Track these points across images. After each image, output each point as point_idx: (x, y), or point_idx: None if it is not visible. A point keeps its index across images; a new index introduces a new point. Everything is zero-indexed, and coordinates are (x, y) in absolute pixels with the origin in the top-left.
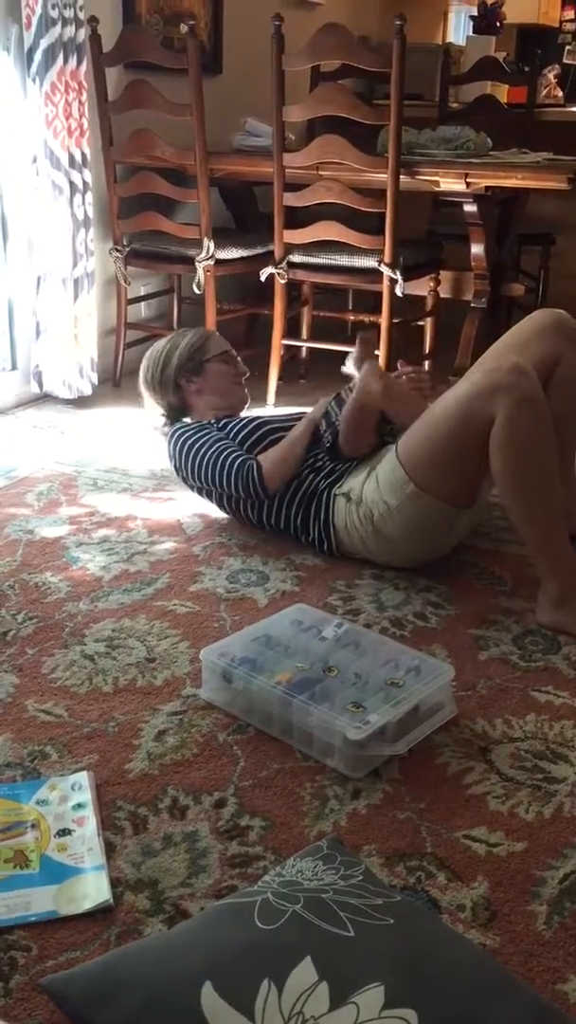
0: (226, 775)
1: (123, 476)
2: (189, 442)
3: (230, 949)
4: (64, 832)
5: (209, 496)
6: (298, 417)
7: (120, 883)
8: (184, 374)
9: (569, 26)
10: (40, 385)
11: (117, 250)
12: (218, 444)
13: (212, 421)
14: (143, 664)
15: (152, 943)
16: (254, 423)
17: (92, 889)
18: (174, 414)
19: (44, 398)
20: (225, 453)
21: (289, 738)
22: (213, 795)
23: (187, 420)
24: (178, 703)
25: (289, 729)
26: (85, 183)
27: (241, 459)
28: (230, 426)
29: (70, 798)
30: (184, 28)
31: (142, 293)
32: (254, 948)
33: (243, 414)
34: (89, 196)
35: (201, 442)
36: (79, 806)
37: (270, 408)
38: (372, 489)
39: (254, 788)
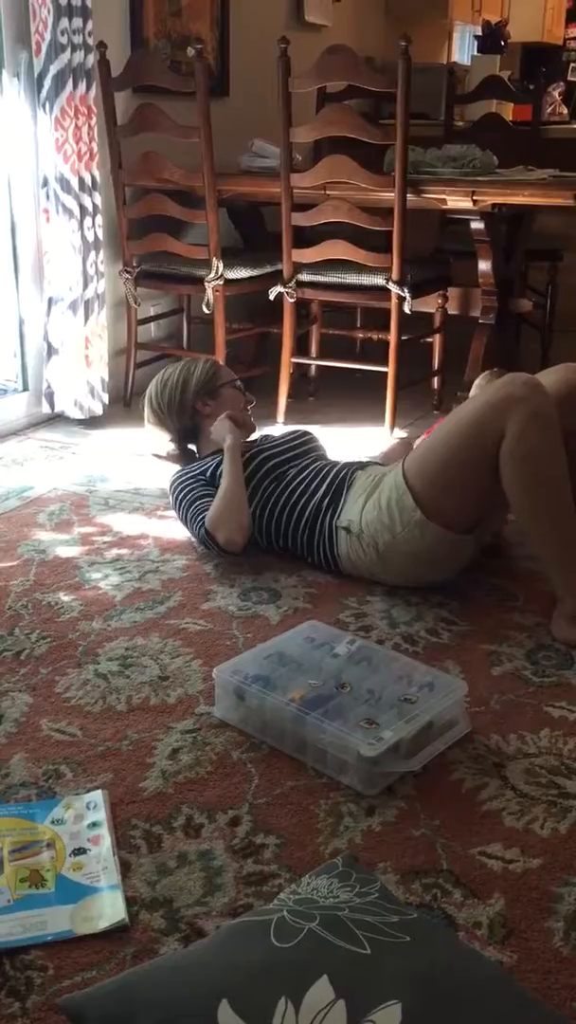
0: (240, 793)
1: (134, 495)
2: (179, 495)
3: (246, 967)
4: (79, 851)
5: None
6: (294, 435)
7: (135, 902)
8: (201, 397)
9: (573, 44)
10: (51, 406)
11: (127, 271)
12: (194, 504)
13: (205, 469)
14: (156, 682)
15: (168, 962)
16: (249, 455)
17: (108, 908)
18: (185, 438)
19: (55, 418)
20: (193, 512)
21: (303, 755)
22: (227, 813)
23: (184, 467)
24: (191, 721)
25: (303, 746)
26: (95, 206)
27: (202, 527)
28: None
29: (85, 817)
30: (191, 51)
31: (152, 314)
32: (270, 966)
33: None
34: (99, 219)
35: (185, 496)
36: (94, 825)
37: (280, 426)
38: (373, 518)
39: (268, 806)
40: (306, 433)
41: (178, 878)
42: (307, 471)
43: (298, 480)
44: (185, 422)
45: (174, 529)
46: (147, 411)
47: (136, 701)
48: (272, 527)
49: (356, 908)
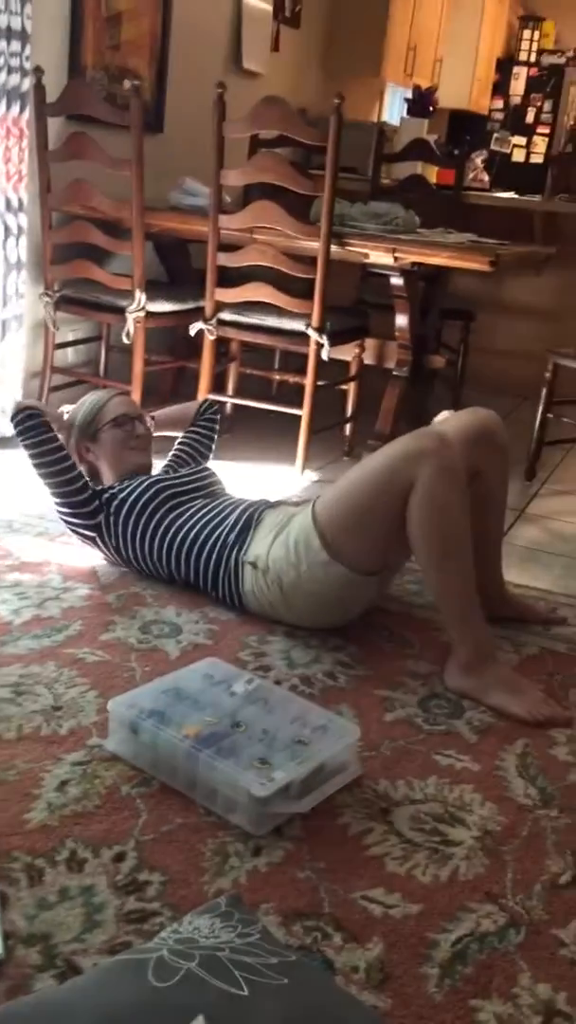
0: (127, 828)
1: (40, 520)
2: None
3: (123, 1006)
4: None
5: (117, 553)
6: (197, 471)
7: (12, 936)
8: (83, 443)
9: (497, 115)
10: None
11: (47, 295)
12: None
13: (114, 485)
14: (49, 712)
15: (42, 999)
16: (145, 483)
17: None
18: (91, 479)
19: None
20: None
21: (193, 793)
22: (113, 848)
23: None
24: (83, 753)
25: (194, 784)
26: (20, 227)
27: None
28: (126, 491)
29: None
30: (128, 85)
31: (70, 339)
32: (147, 1005)
33: (139, 478)
34: (23, 240)
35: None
36: None
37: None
38: (280, 556)
39: (155, 843)
40: (206, 469)
41: (58, 913)
42: (214, 506)
43: (203, 512)
44: (82, 467)
45: (78, 556)
46: None
47: (27, 730)
48: (175, 559)
49: (236, 949)
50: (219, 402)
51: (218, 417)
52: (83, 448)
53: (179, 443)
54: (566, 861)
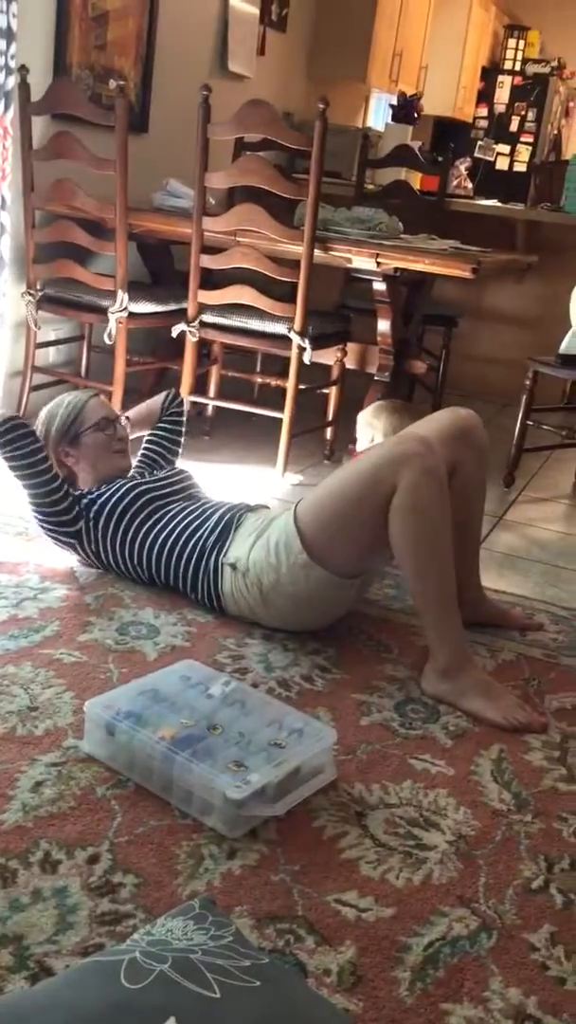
0: (101, 830)
1: (19, 520)
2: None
3: (94, 1008)
4: None
5: (96, 557)
6: (173, 473)
7: None
8: (62, 447)
9: (481, 122)
10: None
11: (30, 294)
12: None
13: (92, 490)
14: (24, 712)
15: (13, 1001)
16: (124, 488)
17: None
18: (68, 482)
19: None
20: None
21: (169, 795)
22: (87, 850)
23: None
24: (58, 754)
25: (169, 786)
26: (2, 226)
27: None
28: (104, 496)
29: None
30: (113, 85)
31: (52, 338)
32: (119, 1007)
33: (117, 482)
34: (5, 239)
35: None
36: None
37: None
38: (260, 557)
39: (129, 844)
40: (182, 471)
41: (30, 915)
42: (193, 510)
43: (183, 515)
44: (59, 470)
45: (56, 557)
46: None
47: (2, 730)
48: (155, 562)
49: (209, 951)
50: (181, 394)
51: (183, 409)
52: (62, 452)
53: (147, 442)
54: (539, 866)
